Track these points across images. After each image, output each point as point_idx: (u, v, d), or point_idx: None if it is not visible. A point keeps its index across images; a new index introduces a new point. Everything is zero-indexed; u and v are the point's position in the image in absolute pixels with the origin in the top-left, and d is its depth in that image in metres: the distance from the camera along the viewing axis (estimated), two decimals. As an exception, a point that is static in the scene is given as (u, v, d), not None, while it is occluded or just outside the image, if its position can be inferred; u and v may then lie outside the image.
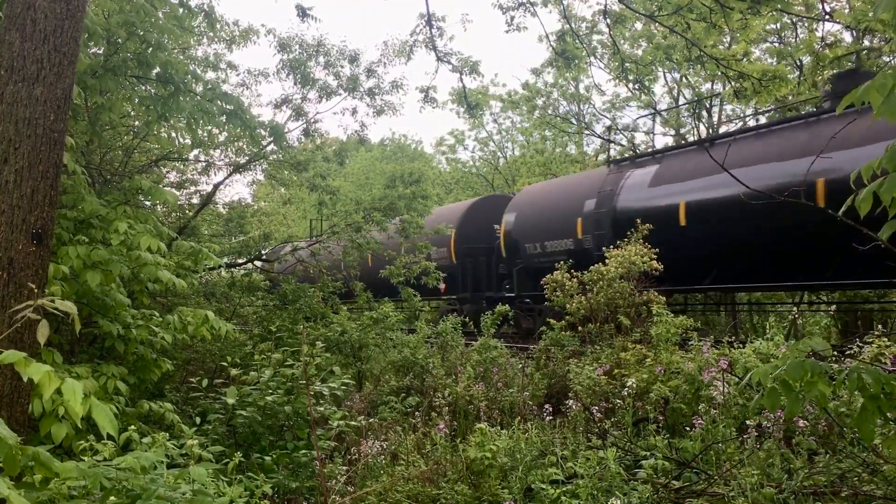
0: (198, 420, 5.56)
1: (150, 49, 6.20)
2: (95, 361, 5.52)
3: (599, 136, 28.35)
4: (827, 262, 10.11)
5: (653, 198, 12.63)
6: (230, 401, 5.74)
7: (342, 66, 12.93)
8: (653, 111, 24.04)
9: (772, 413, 5.16)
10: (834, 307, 15.56)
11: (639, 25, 18.78)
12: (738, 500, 4.43)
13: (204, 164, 13.76)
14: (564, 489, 4.75)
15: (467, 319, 12.57)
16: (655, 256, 9.88)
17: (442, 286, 16.87)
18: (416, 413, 7.86)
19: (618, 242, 10.49)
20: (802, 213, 9.38)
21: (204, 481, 3.25)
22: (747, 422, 5.45)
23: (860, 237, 3.33)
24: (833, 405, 5.31)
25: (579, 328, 9.62)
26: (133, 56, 6.21)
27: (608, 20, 9.80)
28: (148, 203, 9.36)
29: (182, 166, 14.26)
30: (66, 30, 3.96)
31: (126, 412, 5.20)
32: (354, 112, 14.38)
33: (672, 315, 8.30)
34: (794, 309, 15.12)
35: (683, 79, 23.24)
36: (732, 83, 9.87)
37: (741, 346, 7.64)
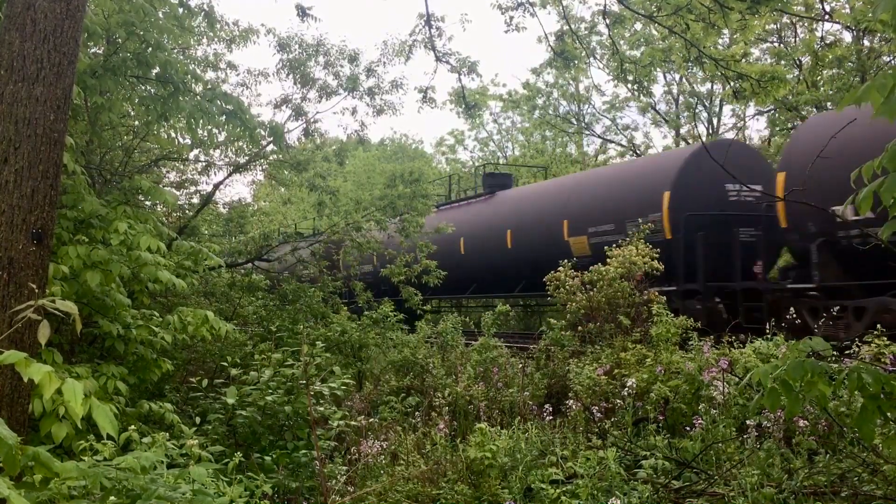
0: (198, 420, 5.55)
1: (150, 49, 6.19)
2: (95, 361, 5.52)
3: (599, 137, 28.40)
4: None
5: None
6: (230, 401, 5.74)
7: (342, 66, 12.93)
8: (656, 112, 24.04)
9: (772, 413, 5.16)
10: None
11: (638, 26, 18.78)
12: (738, 500, 4.43)
13: (204, 164, 13.75)
14: (564, 489, 4.75)
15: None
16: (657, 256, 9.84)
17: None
18: (416, 413, 7.86)
19: None
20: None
21: (204, 481, 3.25)
22: (747, 422, 5.44)
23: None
24: (833, 405, 5.31)
25: (579, 328, 9.61)
26: (133, 56, 6.20)
27: (607, 20, 9.79)
28: (148, 203, 9.37)
29: (182, 166, 14.25)
30: (65, 30, 3.96)
31: (126, 412, 5.20)
32: (354, 112, 14.25)
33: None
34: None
35: (683, 79, 23.25)
36: (731, 83, 9.84)
37: (741, 346, 7.63)
